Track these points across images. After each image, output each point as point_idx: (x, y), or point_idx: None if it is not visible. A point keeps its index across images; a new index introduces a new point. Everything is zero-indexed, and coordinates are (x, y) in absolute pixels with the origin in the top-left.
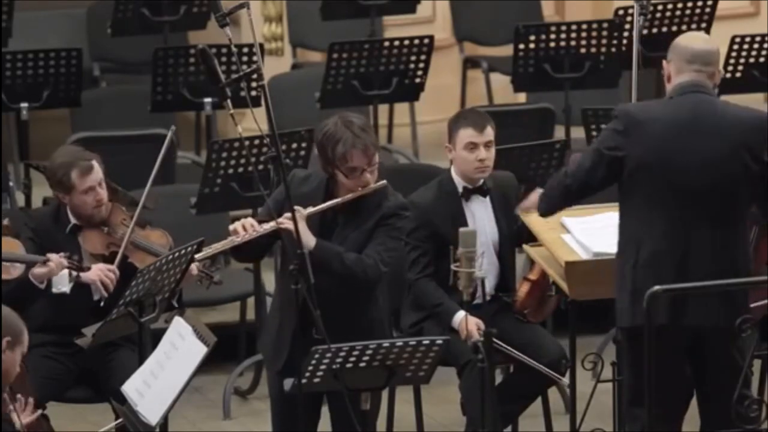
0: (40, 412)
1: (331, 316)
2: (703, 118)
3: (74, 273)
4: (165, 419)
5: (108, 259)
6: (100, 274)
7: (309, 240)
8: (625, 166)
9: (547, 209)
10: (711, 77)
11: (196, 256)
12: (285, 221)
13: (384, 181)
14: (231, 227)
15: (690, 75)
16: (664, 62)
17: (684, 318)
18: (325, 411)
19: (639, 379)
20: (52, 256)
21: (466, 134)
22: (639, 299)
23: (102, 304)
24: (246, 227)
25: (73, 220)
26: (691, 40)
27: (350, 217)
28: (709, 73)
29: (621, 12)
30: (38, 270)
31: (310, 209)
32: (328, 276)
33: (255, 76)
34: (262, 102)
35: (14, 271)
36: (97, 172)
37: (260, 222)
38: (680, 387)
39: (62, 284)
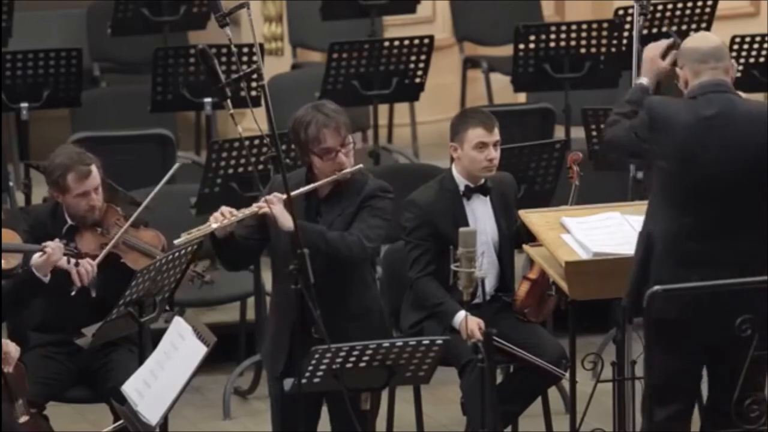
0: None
1: (324, 303)
2: (727, 117)
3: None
4: (165, 419)
5: (103, 259)
6: None
7: (287, 221)
8: (649, 154)
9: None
10: (726, 72)
11: (176, 241)
12: (263, 204)
13: (360, 165)
14: (211, 218)
15: (708, 74)
16: (677, 69)
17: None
18: (324, 411)
19: (663, 377)
20: (49, 243)
21: (475, 134)
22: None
23: None
24: (224, 214)
25: (69, 221)
26: (697, 41)
27: (332, 205)
28: (724, 69)
29: (621, 12)
30: (38, 260)
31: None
32: (313, 256)
33: (255, 76)
34: (262, 102)
35: (12, 260)
36: (94, 177)
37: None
38: (697, 385)
39: None
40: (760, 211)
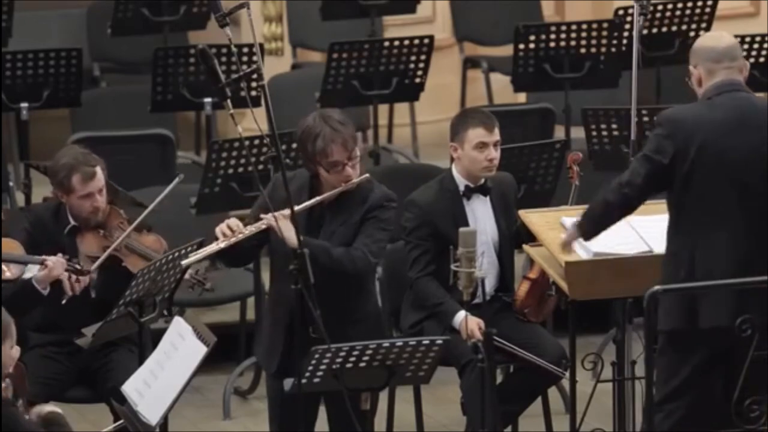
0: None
1: (323, 309)
2: (746, 116)
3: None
4: (165, 419)
5: (104, 261)
6: None
7: (292, 239)
8: (674, 169)
9: (596, 229)
10: (740, 72)
11: (183, 262)
12: (270, 220)
13: (367, 175)
14: (217, 230)
15: (722, 74)
16: (690, 68)
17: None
18: (322, 410)
19: (677, 381)
20: (50, 257)
21: (476, 134)
22: (693, 301)
23: None
24: (232, 228)
25: (72, 222)
26: (711, 40)
27: (336, 213)
28: (738, 68)
29: (621, 12)
30: (38, 275)
31: (295, 208)
32: (317, 270)
33: (255, 76)
34: (262, 102)
35: (13, 270)
36: (99, 179)
37: (245, 225)
38: (708, 385)
39: None
40: None
